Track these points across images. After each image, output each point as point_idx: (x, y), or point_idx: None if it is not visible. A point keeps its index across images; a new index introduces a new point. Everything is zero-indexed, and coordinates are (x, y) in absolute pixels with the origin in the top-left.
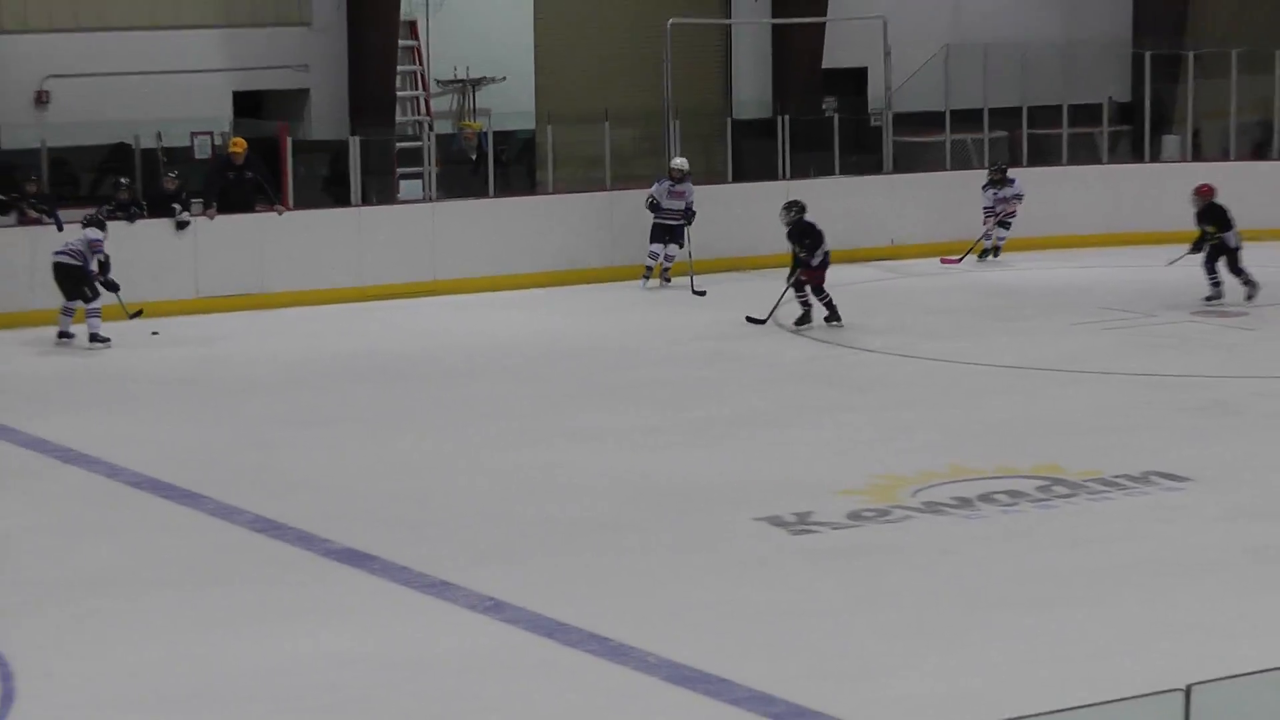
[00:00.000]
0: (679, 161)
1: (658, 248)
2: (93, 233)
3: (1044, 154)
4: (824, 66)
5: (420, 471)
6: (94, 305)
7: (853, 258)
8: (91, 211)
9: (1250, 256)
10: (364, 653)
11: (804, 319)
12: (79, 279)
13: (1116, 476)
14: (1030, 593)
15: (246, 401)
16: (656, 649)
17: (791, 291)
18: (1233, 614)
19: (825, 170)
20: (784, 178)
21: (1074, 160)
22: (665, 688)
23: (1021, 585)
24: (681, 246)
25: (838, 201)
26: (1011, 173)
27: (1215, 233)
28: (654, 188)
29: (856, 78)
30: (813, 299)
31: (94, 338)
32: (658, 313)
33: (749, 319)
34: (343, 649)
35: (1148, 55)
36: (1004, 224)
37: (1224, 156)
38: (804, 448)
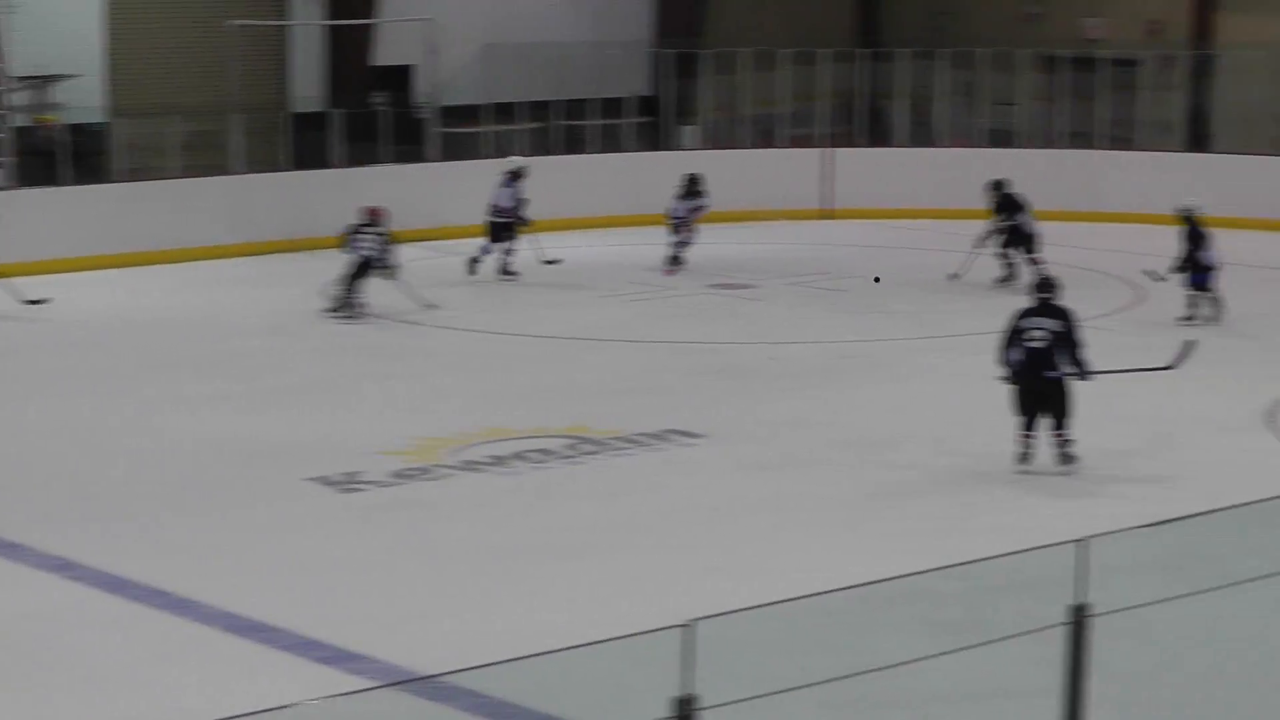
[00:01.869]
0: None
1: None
2: None
3: (576, 143)
4: (374, 64)
5: None
6: None
7: (400, 239)
8: None
9: (754, 234)
10: None
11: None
12: None
13: (638, 434)
14: (561, 541)
15: None
16: (216, 601)
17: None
18: (743, 556)
19: (375, 159)
20: (337, 166)
21: (603, 149)
22: (224, 637)
23: (553, 534)
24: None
25: (387, 187)
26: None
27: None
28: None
29: (404, 74)
30: None
31: None
32: (224, 289)
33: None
34: None
35: (668, 54)
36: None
37: (735, 145)
38: (354, 413)
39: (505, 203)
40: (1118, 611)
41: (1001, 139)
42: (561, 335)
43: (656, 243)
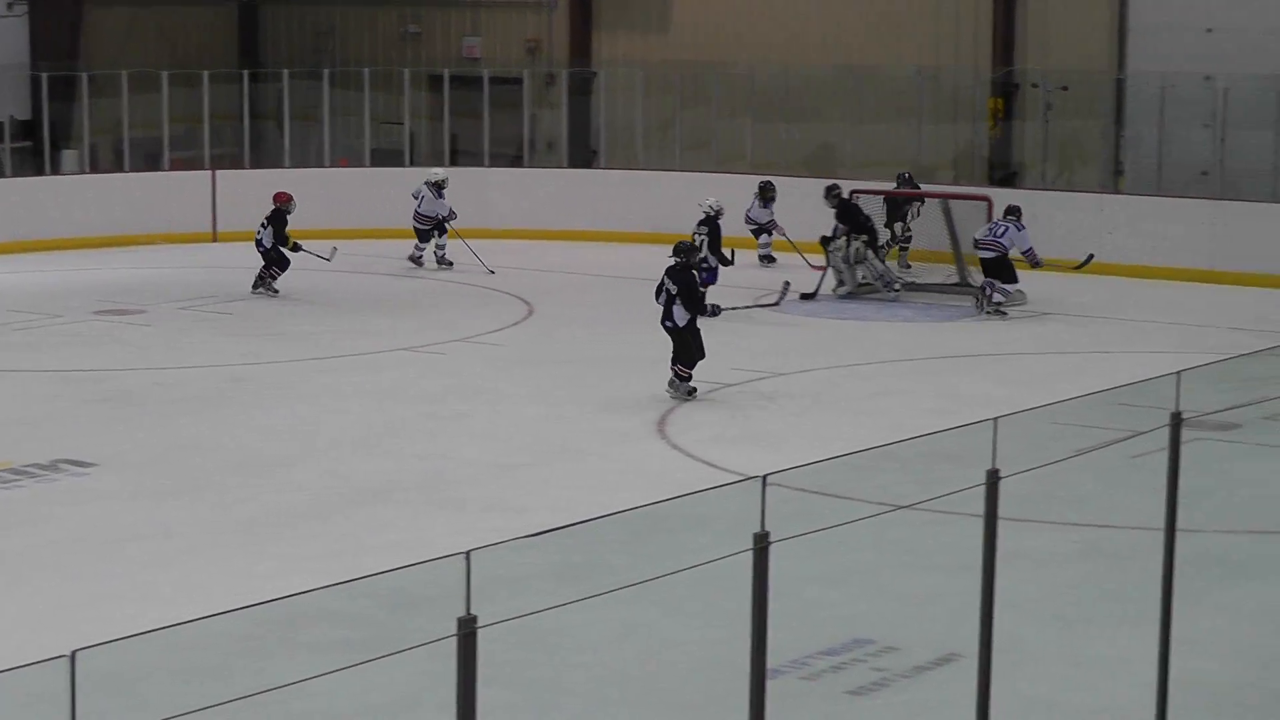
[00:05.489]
0: None
1: None
2: None
3: None
4: None
5: None
6: None
7: None
8: None
9: (141, 258)
10: None
11: None
12: None
13: (27, 465)
14: None
15: None
16: None
17: None
18: (137, 583)
19: None
20: None
21: None
22: None
23: None
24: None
25: None
26: None
27: None
28: None
29: None
30: None
31: None
32: None
33: None
34: None
35: (44, 76)
36: None
37: (119, 168)
38: None
39: (443, 211)
40: (509, 620)
41: (389, 158)
42: None
43: (38, 270)
